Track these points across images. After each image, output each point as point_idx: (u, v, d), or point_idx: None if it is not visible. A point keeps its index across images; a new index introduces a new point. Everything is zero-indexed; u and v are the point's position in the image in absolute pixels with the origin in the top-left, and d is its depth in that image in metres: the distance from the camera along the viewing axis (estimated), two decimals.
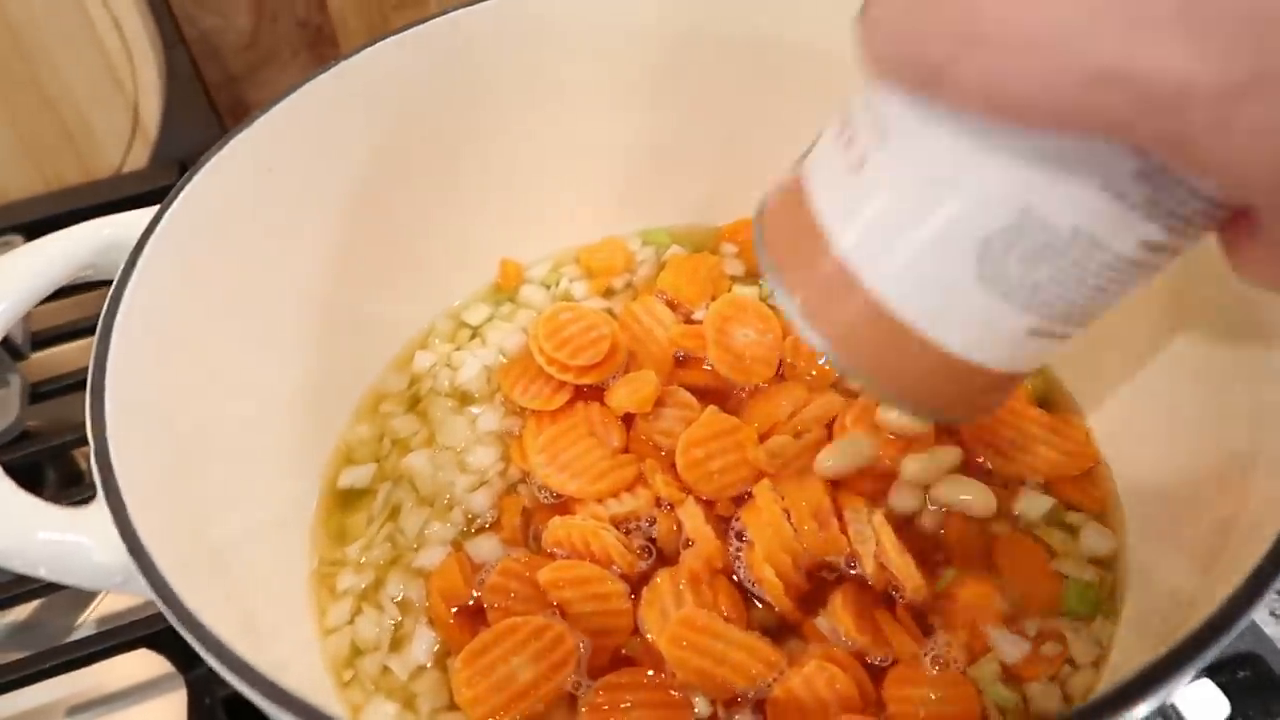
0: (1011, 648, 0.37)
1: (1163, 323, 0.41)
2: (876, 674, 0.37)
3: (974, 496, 0.41)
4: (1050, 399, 0.46)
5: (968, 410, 0.28)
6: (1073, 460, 0.43)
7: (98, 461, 0.28)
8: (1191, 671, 0.24)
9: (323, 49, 0.75)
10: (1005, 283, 0.24)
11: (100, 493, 0.28)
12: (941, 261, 0.24)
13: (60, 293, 0.60)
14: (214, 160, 0.38)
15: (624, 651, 0.39)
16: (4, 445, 0.55)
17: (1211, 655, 0.24)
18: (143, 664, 0.47)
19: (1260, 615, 0.48)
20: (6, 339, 0.57)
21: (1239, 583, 0.25)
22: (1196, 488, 0.37)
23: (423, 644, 0.39)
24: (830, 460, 0.41)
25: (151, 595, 0.26)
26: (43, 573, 0.29)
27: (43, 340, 0.59)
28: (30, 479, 0.56)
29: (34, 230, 0.67)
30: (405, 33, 0.44)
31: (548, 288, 0.53)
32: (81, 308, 0.59)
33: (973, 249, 0.24)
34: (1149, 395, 0.42)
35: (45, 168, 0.70)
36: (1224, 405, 0.36)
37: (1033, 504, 0.42)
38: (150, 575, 0.26)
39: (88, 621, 0.51)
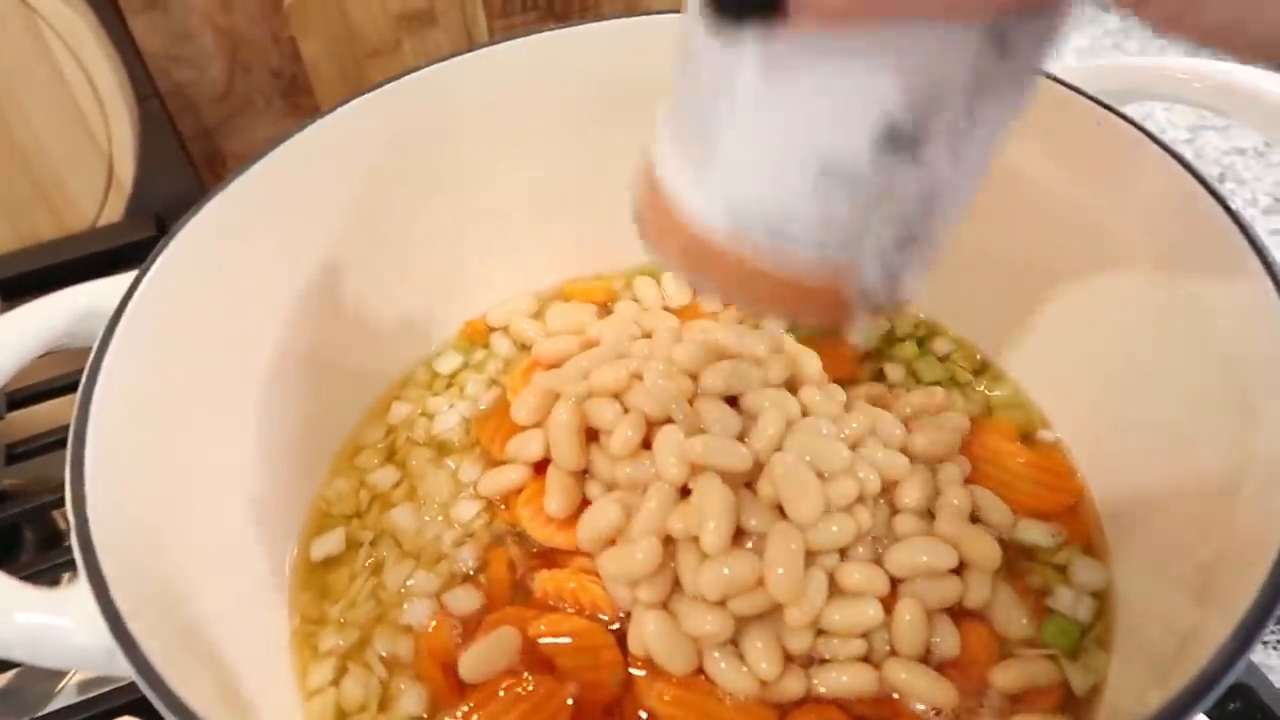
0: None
1: (1141, 354, 0.41)
2: None
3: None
4: (1032, 432, 0.47)
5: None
6: (1056, 495, 0.43)
7: (79, 540, 0.28)
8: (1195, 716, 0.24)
9: (297, 98, 0.75)
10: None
11: (82, 572, 0.27)
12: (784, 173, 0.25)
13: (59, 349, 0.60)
14: (190, 224, 0.38)
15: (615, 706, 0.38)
16: None
17: (1212, 699, 0.24)
18: None
19: None
20: None
21: (1232, 627, 0.25)
22: (1181, 518, 0.37)
23: (411, 699, 0.39)
24: None
25: (134, 676, 0.26)
26: (18, 655, 0.28)
27: (18, 400, 0.59)
28: (8, 540, 0.56)
29: (10, 287, 0.66)
30: (380, 89, 0.45)
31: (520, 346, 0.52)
32: (57, 367, 0.59)
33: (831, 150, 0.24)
34: (1130, 427, 0.42)
35: (19, 223, 0.70)
36: (1202, 437, 0.37)
37: (1029, 530, 0.42)
38: (134, 657, 0.26)
39: (68, 687, 0.51)
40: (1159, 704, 0.23)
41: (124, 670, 0.26)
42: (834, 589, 0.38)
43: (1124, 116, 0.40)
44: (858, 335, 0.34)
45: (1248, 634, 0.24)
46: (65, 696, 0.49)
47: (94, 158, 0.69)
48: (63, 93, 0.66)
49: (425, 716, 0.39)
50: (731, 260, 0.28)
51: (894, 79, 0.23)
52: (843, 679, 0.37)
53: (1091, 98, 0.41)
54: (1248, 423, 0.33)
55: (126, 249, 0.69)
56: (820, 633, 0.38)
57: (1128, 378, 0.42)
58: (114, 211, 0.71)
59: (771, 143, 0.25)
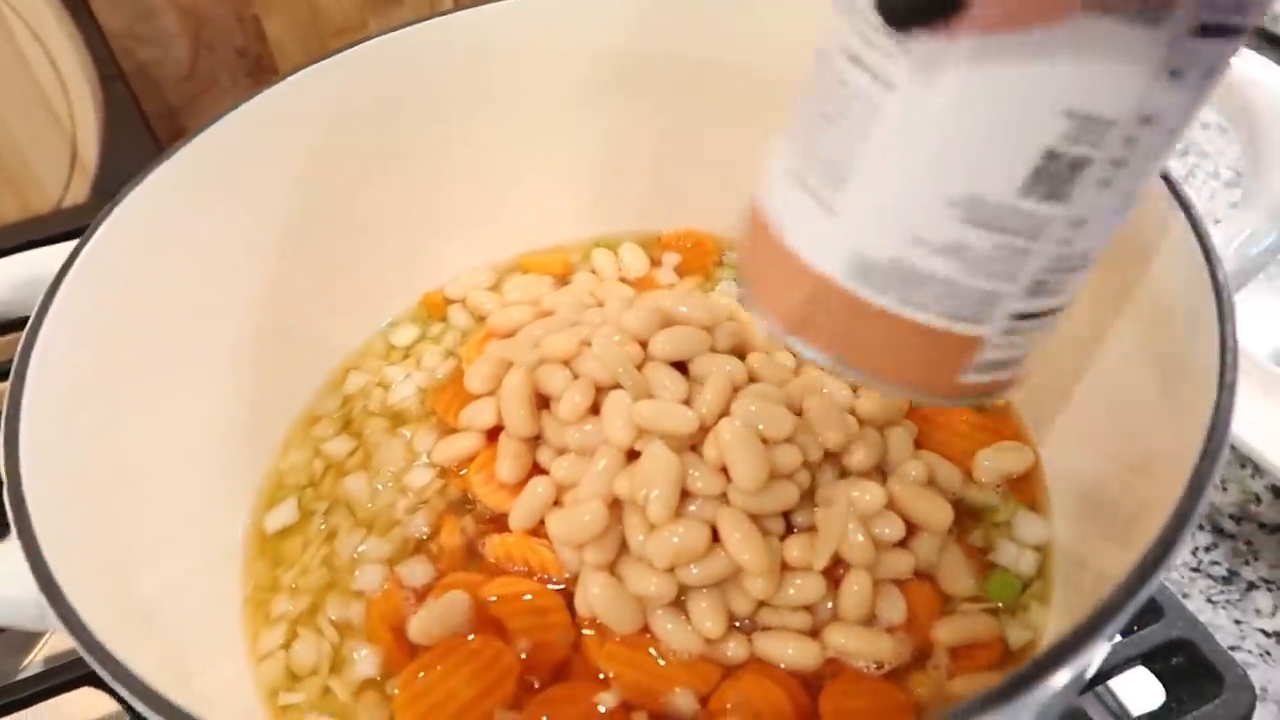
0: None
1: (1079, 315, 0.41)
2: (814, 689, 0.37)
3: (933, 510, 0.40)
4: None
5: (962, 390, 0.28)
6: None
7: (10, 496, 0.28)
8: (1098, 643, 0.24)
9: (263, 77, 0.75)
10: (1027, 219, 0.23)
11: (12, 527, 0.28)
12: (931, 222, 0.23)
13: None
14: (135, 191, 0.38)
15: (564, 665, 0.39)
16: None
17: (1113, 628, 0.24)
18: (89, 703, 0.46)
19: (1195, 603, 0.49)
20: None
21: (1133, 563, 0.25)
22: (1112, 473, 0.38)
23: (368, 662, 0.39)
24: None
25: (63, 630, 0.26)
26: None
27: None
28: None
29: None
30: (333, 57, 0.45)
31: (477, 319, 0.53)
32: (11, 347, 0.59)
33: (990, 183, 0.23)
34: (1070, 389, 0.42)
35: None
36: (1132, 392, 0.37)
37: (975, 490, 0.42)
38: (61, 609, 0.26)
39: (34, 662, 0.51)
40: (1062, 634, 0.23)
41: (55, 625, 0.26)
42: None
43: None
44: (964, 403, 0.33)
45: (1147, 566, 0.24)
46: (31, 670, 0.49)
47: (57, 138, 0.69)
48: (24, 73, 0.66)
49: (379, 679, 0.39)
50: (845, 321, 0.26)
51: (1064, 94, 0.21)
52: (787, 651, 0.37)
53: None
54: (1171, 375, 0.34)
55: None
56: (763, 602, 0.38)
57: (1066, 340, 0.42)
58: (79, 193, 0.71)
59: (916, 173, 0.23)
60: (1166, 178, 0.35)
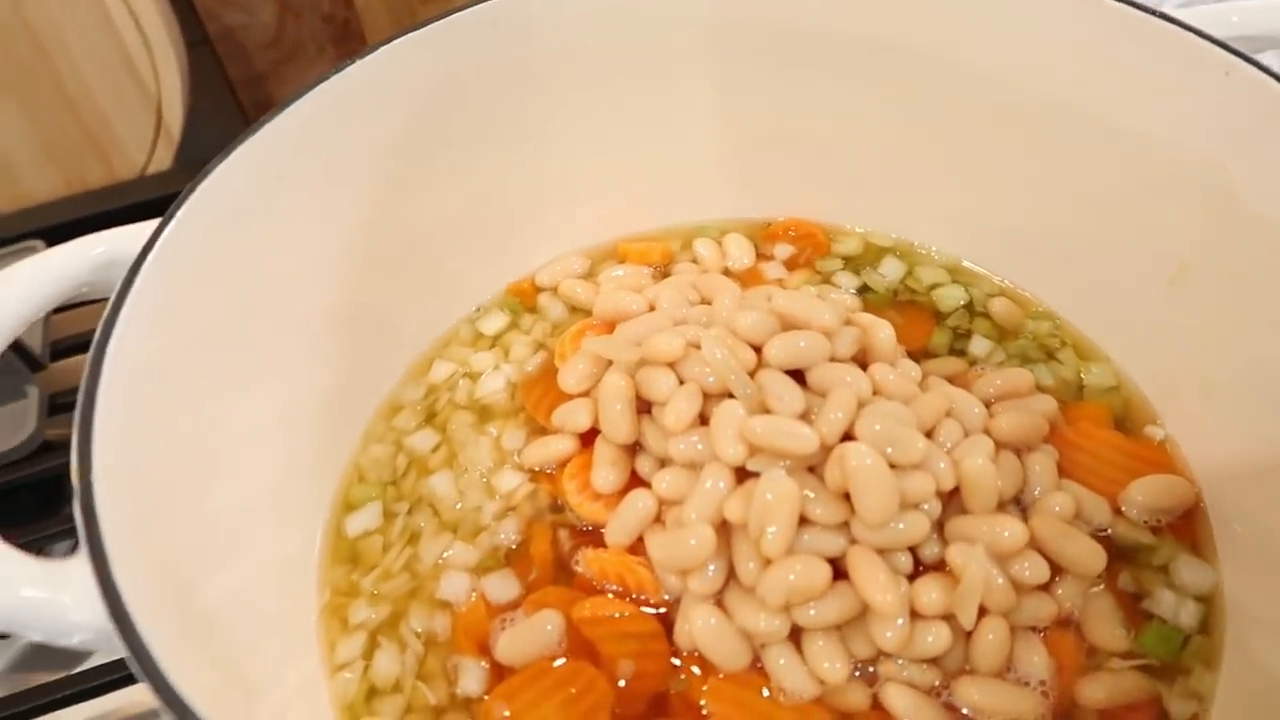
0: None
1: (1265, 336, 0.37)
2: None
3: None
4: (1137, 428, 0.42)
5: None
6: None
7: (81, 510, 0.26)
8: None
9: (350, 44, 0.73)
10: None
11: (83, 546, 0.25)
12: None
13: (79, 301, 0.58)
14: (217, 171, 0.35)
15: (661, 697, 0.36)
16: (24, 458, 0.53)
17: None
18: None
19: None
20: (25, 349, 0.56)
21: None
22: None
23: (472, 677, 0.37)
24: None
25: (129, 661, 0.24)
26: (15, 629, 0.26)
27: (63, 350, 0.58)
28: (52, 492, 0.55)
29: (55, 234, 0.65)
30: (421, 30, 0.41)
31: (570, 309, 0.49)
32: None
33: None
34: (1250, 417, 0.37)
35: (68, 170, 0.68)
36: None
37: (1126, 528, 0.38)
38: (130, 640, 0.24)
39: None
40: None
41: (119, 650, 0.24)
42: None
43: (1260, 66, 0.35)
44: None
45: None
46: (101, 655, 0.48)
47: (142, 104, 0.67)
48: (110, 38, 0.64)
49: (485, 696, 0.36)
50: None
51: None
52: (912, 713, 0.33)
53: (1221, 44, 0.36)
54: None
55: (175, 197, 0.67)
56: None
57: (1247, 361, 0.37)
58: (163, 160, 0.70)
59: None
60: None
